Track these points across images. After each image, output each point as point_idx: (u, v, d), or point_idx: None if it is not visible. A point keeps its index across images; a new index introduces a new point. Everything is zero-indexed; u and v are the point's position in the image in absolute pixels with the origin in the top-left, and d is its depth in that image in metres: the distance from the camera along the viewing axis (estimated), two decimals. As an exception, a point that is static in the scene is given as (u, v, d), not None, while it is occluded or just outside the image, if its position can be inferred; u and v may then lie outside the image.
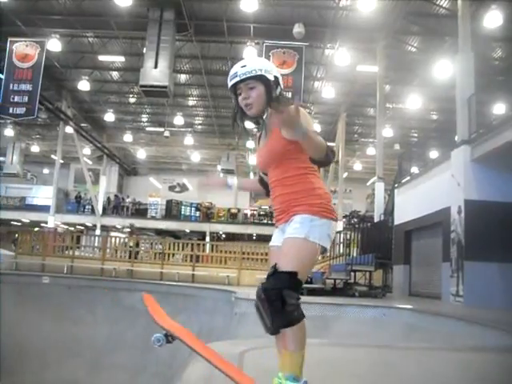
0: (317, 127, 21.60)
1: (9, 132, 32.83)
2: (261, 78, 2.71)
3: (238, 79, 2.71)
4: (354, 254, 14.18)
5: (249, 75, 2.69)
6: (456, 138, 12.87)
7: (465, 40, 12.81)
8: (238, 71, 2.72)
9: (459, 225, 11.64)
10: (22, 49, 18.57)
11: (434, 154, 26.89)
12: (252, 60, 2.79)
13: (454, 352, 5.25)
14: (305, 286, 14.07)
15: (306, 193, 2.67)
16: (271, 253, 2.86)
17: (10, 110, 18.49)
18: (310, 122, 2.59)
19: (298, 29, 17.34)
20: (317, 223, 2.61)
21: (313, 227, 2.59)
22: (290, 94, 16.29)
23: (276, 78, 2.76)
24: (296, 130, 2.30)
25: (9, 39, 18.66)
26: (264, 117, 2.78)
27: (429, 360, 4.54)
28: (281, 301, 2.43)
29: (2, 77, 18.81)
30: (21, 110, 18.54)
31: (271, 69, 2.77)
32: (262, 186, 3.01)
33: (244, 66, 2.72)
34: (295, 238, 2.58)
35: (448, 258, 12.08)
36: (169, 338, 2.84)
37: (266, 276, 2.64)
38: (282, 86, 2.83)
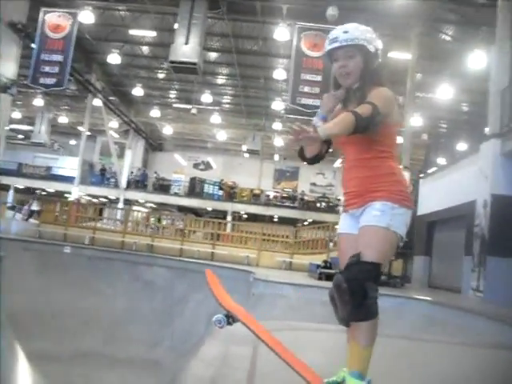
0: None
1: (38, 102, 33.13)
2: (362, 48, 2.56)
3: (337, 45, 2.56)
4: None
5: (350, 43, 2.54)
6: (486, 131, 12.64)
7: (503, 31, 12.49)
8: (339, 36, 2.56)
9: (484, 219, 11.48)
10: (55, 19, 18.47)
11: (462, 146, 26.60)
12: (355, 27, 2.61)
13: (471, 347, 5.19)
14: (323, 270, 13.96)
15: (386, 178, 2.54)
16: (342, 241, 2.70)
17: (41, 80, 18.42)
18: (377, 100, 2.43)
19: (331, 11, 17.05)
20: (398, 212, 2.49)
21: (394, 216, 2.47)
22: (319, 78, 16.14)
23: (377, 50, 2.61)
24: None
25: (42, 9, 18.60)
26: (355, 87, 2.62)
27: (445, 353, 4.50)
28: (363, 293, 2.33)
29: (34, 46, 18.88)
30: (51, 81, 18.45)
31: (373, 39, 2.61)
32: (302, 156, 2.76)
33: (346, 31, 2.56)
34: (376, 226, 2.45)
35: (470, 251, 11.94)
36: (229, 319, 2.77)
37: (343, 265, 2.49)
38: (381, 60, 2.68)
